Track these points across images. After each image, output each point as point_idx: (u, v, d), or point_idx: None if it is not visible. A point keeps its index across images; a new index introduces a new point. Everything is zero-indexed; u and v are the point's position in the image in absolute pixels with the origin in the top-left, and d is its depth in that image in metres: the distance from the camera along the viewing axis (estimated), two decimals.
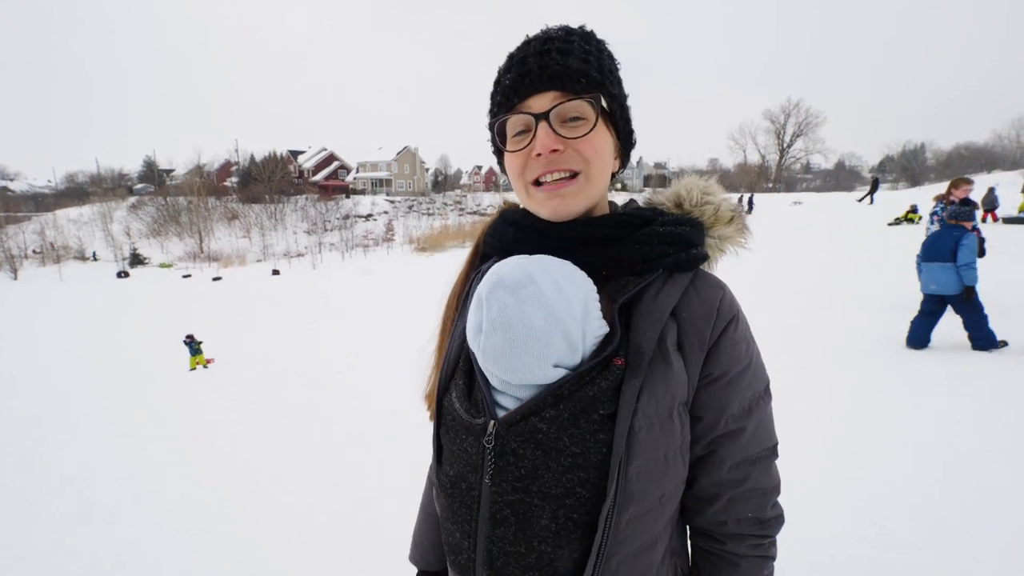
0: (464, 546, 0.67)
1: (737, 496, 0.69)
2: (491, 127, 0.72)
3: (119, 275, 25.11)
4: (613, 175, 0.75)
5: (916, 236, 12.02)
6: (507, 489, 0.63)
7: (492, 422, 0.64)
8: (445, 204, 44.33)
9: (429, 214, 41.18)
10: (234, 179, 47.56)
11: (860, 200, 23.42)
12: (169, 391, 5.69)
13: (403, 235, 32.03)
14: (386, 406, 4.46)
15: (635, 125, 0.77)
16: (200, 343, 6.59)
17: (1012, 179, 23.99)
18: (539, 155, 0.66)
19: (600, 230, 0.70)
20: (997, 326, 4.70)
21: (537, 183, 0.69)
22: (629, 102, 0.76)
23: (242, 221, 37.89)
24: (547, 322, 0.60)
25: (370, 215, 39.90)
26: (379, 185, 55.90)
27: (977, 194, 9.02)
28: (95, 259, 31.28)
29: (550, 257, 0.68)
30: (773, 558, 0.73)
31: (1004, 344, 4.62)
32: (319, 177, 53.03)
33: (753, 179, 59.14)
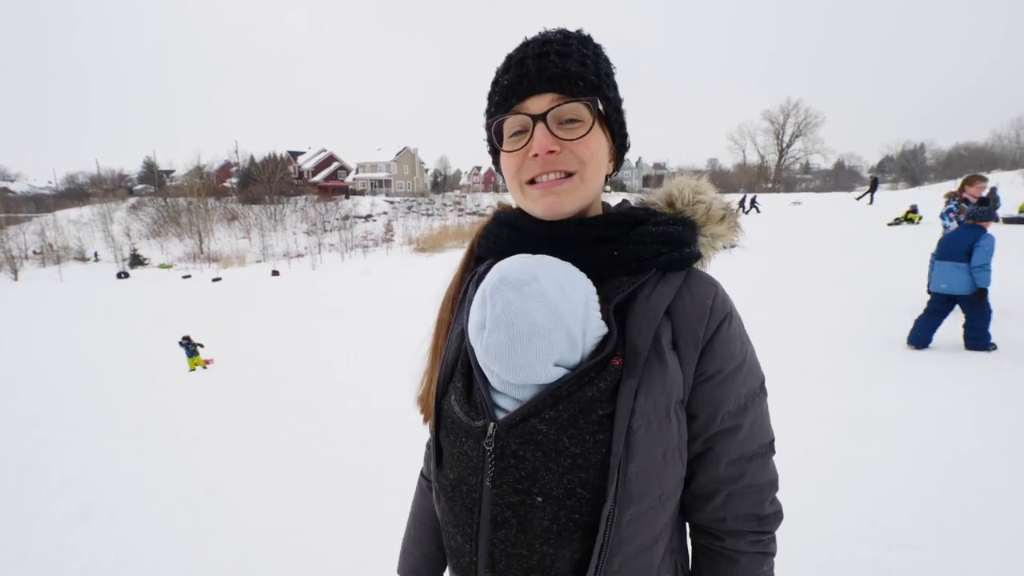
0: (466, 549, 0.68)
1: (735, 493, 0.70)
2: (488, 127, 0.73)
3: (119, 276, 25.08)
4: (607, 177, 0.75)
5: (916, 236, 12.09)
6: (508, 491, 0.63)
7: (492, 424, 0.64)
8: (444, 205, 44.32)
9: (428, 215, 41.17)
10: (234, 180, 47.55)
11: (859, 198, 23.39)
12: (169, 391, 5.69)
13: (402, 236, 32.03)
14: (386, 406, 4.45)
15: (634, 125, 0.78)
16: (198, 344, 6.58)
17: (1012, 179, 23.99)
18: (536, 156, 0.67)
19: (594, 230, 0.70)
20: (999, 327, 4.70)
21: (532, 182, 0.70)
22: (626, 104, 0.76)
23: (242, 222, 37.87)
24: (550, 319, 0.61)
25: (369, 216, 39.89)
26: (378, 186, 55.89)
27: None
28: (96, 260, 31.27)
29: (551, 257, 0.68)
30: (773, 554, 0.73)
31: (994, 347, 4.62)
32: (319, 178, 53.05)
33: (752, 179, 59.12)
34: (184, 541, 2.86)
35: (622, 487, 0.61)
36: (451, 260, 0.87)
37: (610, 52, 0.74)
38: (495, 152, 0.76)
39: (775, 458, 0.74)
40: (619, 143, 0.76)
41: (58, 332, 10.31)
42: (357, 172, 57.99)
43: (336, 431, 4.16)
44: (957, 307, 4.74)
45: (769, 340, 5.14)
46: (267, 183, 41.30)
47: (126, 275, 25.41)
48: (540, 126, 0.66)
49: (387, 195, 50.10)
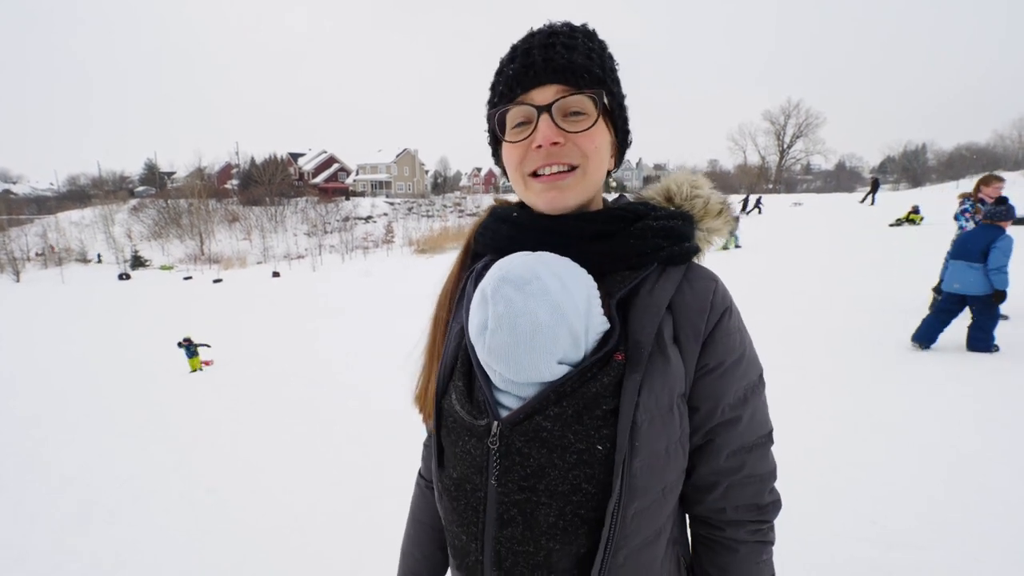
0: (471, 548, 0.67)
1: (735, 483, 0.71)
2: (491, 117, 0.72)
3: (120, 277, 25.13)
4: (608, 173, 0.75)
5: (918, 237, 12.08)
6: (513, 489, 0.63)
7: (495, 422, 0.64)
8: (444, 206, 44.36)
9: (429, 216, 41.21)
10: (235, 181, 47.65)
11: (862, 201, 23.37)
12: (169, 391, 5.69)
13: (403, 237, 32.06)
14: (386, 406, 4.45)
15: (634, 125, 0.78)
16: (204, 345, 6.59)
17: (1014, 179, 23.93)
18: (539, 147, 0.67)
19: (594, 225, 0.70)
20: (999, 328, 4.69)
21: (535, 175, 0.69)
22: (627, 102, 0.76)
23: (242, 223, 37.93)
24: (553, 318, 0.60)
25: (370, 217, 39.93)
26: (379, 187, 55.93)
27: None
28: (99, 261, 31.32)
29: (551, 254, 0.68)
30: (772, 542, 0.74)
31: (997, 349, 4.60)
32: (319, 179, 53.12)
33: (753, 180, 59.08)
34: (184, 541, 2.86)
35: (627, 482, 0.61)
36: (451, 261, 0.86)
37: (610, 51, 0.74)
38: (496, 143, 0.75)
39: (773, 449, 0.75)
40: (621, 139, 0.76)
41: (59, 333, 10.33)
42: (357, 173, 58.04)
43: (336, 431, 4.16)
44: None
45: (770, 340, 5.13)
46: (268, 185, 41.36)
47: (127, 276, 25.45)
48: (545, 117, 0.66)
49: (387, 196, 50.13)
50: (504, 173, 0.78)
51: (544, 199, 0.69)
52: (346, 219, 38.41)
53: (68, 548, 2.88)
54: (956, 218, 6.00)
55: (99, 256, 31.89)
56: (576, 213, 0.71)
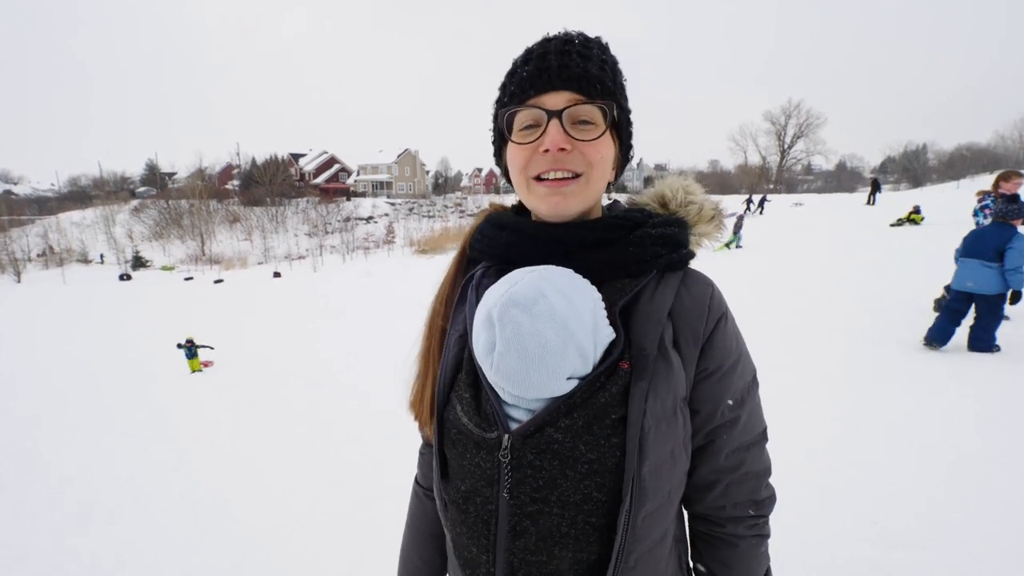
0: (483, 560, 0.67)
1: (734, 481, 0.73)
2: (500, 116, 0.72)
3: (121, 278, 25.16)
4: (609, 185, 0.76)
5: (920, 237, 12.08)
6: (526, 501, 0.63)
7: (506, 435, 0.64)
8: (445, 206, 44.43)
9: (430, 216, 41.26)
10: (235, 182, 47.70)
11: (868, 203, 23.22)
12: (169, 392, 5.70)
13: (404, 237, 32.11)
14: (386, 406, 4.45)
15: (635, 126, 0.78)
16: (207, 346, 6.59)
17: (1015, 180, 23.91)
18: (546, 151, 0.67)
19: (594, 233, 0.71)
20: (1000, 328, 4.68)
21: (538, 178, 0.69)
22: (630, 110, 0.77)
23: (243, 224, 38.00)
24: (561, 337, 0.61)
25: (371, 217, 39.98)
26: (380, 187, 55.98)
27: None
28: (102, 262, 31.36)
29: (554, 268, 0.68)
30: (768, 536, 0.77)
31: (998, 349, 4.59)
32: (320, 180, 53.15)
33: (754, 180, 59.08)
34: (184, 541, 2.86)
35: (637, 487, 0.62)
36: (446, 265, 0.86)
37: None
38: (500, 142, 0.75)
39: (767, 446, 0.78)
40: (623, 152, 0.76)
41: (59, 333, 10.35)
42: (358, 174, 58.08)
43: (336, 431, 4.16)
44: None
45: (770, 340, 5.13)
46: (269, 185, 41.42)
47: (128, 277, 25.49)
48: (555, 122, 0.66)
49: (388, 197, 50.19)
50: (504, 173, 0.77)
51: (547, 204, 0.70)
52: (347, 219, 38.47)
53: (68, 548, 2.88)
54: (975, 214, 5.93)
55: (102, 256, 31.94)
56: (577, 221, 0.72)
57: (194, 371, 6.46)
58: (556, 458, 0.62)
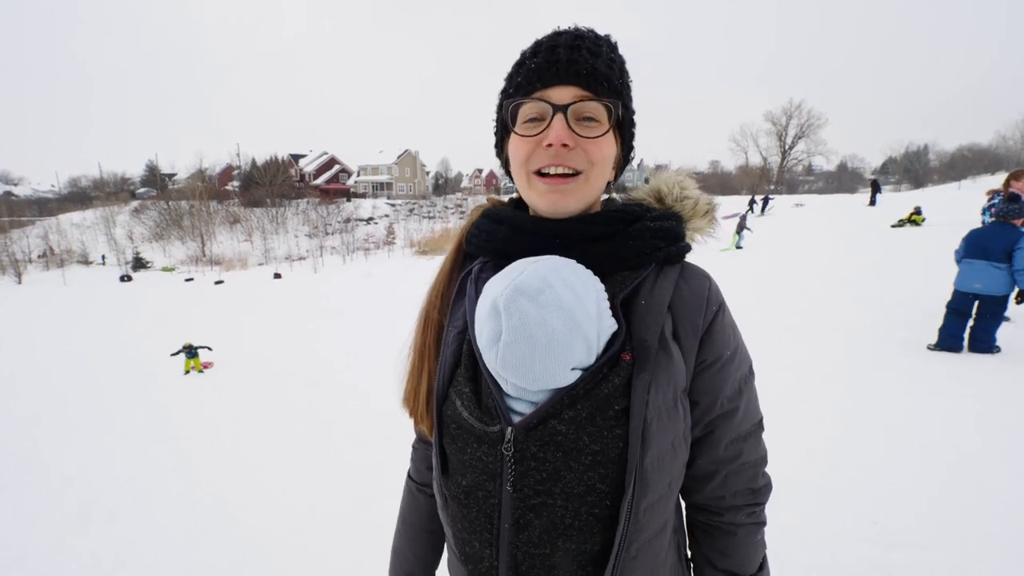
0: (485, 554, 0.67)
1: (732, 471, 0.74)
2: (505, 107, 0.72)
3: (122, 279, 25.16)
4: (608, 184, 0.76)
5: (920, 238, 12.07)
6: (530, 494, 0.63)
7: (509, 428, 0.64)
8: (446, 207, 44.46)
9: (430, 217, 41.29)
10: (236, 183, 47.72)
11: (870, 203, 23.12)
12: (169, 391, 5.69)
13: (404, 238, 32.13)
14: (386, 406, 4.44)
15: (636, 130, 0.78)
16: (205, 347, 6.56)
17: None
18: (549, 146, 0.67)
19: (595, 227, 0.71)
20: (1000, 329, 4.68)
21: (539, 173, 0.69)
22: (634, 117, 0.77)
23: (244, 225, 38.01)
24: (567, 327, 0.61)
25: (371, 218, 39.99)
26: (380, 188, 56.01)
27: (979, 198, 8.97)
28: (103, 263, 31.36)
29: (558, 258, 0.68)
30: (764, 523, 0.79)
31: (999, 349, 4.59)
32: (320, 181, 53.16)
33: (755, 181, 59.06)
34: (184, 541, 2.85)
35: (639, 478, 0.62)
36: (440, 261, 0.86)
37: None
38: (503, 133, 0.75)
39: (764, 436, 0.79)
40: (625, 153, 0.76)
41: (60, 334, 10.34)
42: (358, 175, 58.10)
43: (336, 431, 4.16)
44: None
45: (770, 340, 5.13)
46: (269, 186, 41.43)
47: (129, 278, 25.48)
48: (560, 117, 0.66)
49: (388, 198, 50.19)
50: (504, 165, 0.77)
51: (546, 200, 0.70)
52: (347, 220, 38.49)
53: (68, 548, 2.88)
54: (983, 212, 5.90)
55: (103, 258, 31.95)
56: (578, 216, 0.72)
57: (187, 371, 6.38)
58: (560, 450, 0.62)
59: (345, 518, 2.92)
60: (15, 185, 72.16)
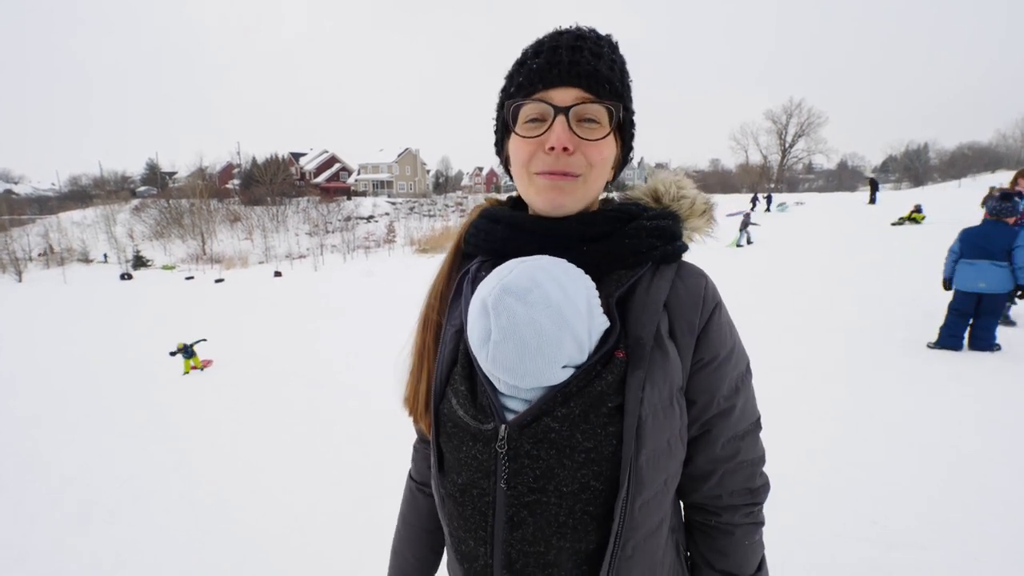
0: (480, 553, 0.67)
1: (729, 470, 0.74)
2: (506, 107, 0.71)
3: (122, 277, 25.15)
4: (606, 185, 0.76)
5: (921, 236, 12.05)
6: (524, 491, 0.63)
7: (503, 426, 0.64)
8: (446, 206, 44.44)
9: (430, 215, 41.26)
10: (236, 181, 47.67)
11: (870, 202, 23.11)
12: (169, 391, 5.70)
13: (404, 237, 32.11)
14: (386, 406, 4.44)
15: (636, 130, 0.78)
16: (194, 343, 6.54)
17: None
18: (551, 149, 0.66)
19: (592, 227, 0.71)
20: (1000, 328, 4.68)
21: (539, 172, 0.69)
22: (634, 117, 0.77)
23: (244, 223, 37.97)
24: (556, 325, 0.61)
25: (371, 217, 39.96)
26: (380, 187, 55.99)
27: (979, 196, 8.96)
28: (105, 261, 31.33)
29: (547, 257, 0.68)
30: (762, 523, 0.78)
31: (999, 348, 4.59)
32: (320, 179, 53.13)
33: (755, 180, 59.02)
34: (184, 541, 2.85)
35: (634, 476, 0.62)
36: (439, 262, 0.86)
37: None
38: (503, 132, 0.75)
39: (761, 435, 0.79)
40: (624, 153, 0.76)
41: (60, 333, 10.35)
42: (359, 173, 58.07)
43: (336, 431, 4.16)
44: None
45: (770, 340, 5.13)
46: (269, 184, 41.41)
47: (129, 276, 25.47)
48: (561, 119, 0.65)
49: (389, 196, 50.18)
50: (503, 163, 0.77)
51: (545, 198, 0.69)
52: (348, 219, 38.46)
53: (68, 548, 2.88)
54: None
55: (105, 256, 31.92)
56: (575, 215, 0.72)
57: (186, 371, 6.38)
58: (553, 447, 0.62)
59: (345, 518, 2.92)
60: (16, 183, 72.13)
